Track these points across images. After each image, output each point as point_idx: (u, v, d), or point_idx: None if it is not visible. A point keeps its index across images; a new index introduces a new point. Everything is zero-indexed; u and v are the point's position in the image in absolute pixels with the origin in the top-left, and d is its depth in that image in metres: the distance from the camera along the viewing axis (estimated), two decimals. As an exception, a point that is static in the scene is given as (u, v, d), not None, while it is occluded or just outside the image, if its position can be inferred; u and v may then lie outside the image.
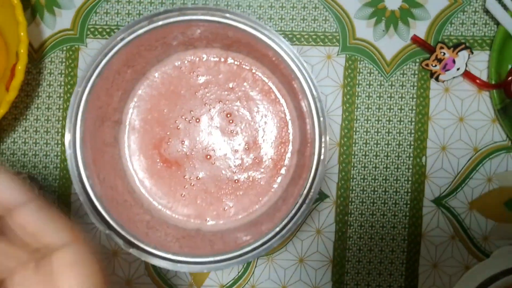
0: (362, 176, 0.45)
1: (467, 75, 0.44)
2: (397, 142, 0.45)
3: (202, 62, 0.41)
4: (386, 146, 0.45)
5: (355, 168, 0.45)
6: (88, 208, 0.34)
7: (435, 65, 0.44)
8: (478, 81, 0.44)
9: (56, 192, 0.45)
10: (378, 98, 0.45)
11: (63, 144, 0.45)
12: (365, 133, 0.45)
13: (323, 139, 0.35)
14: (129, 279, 0.45)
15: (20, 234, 0.23)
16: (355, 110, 0.45)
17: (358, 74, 0.45)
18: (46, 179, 0.45)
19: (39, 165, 0.45)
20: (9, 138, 0.45)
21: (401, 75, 0.45)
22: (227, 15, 0.34)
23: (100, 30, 0.45)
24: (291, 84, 0.37)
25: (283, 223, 0.36)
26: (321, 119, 0.35)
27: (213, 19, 0.34)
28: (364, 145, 0.45)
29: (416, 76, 0.45)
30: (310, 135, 0.36)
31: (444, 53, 0.43)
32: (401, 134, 0.45)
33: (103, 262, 0.24)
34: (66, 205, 0.45)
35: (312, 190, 0.36)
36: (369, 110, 0.45)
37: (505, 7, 0.43)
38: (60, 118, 0.45)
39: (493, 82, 0.43)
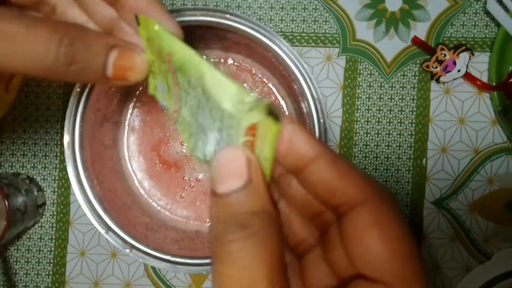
0: (362, 178, 0.45)
1: (468, 76, 0.44)
2: (398, 144, 0.45)
3: (201, 63, 0.41)
4: (386, 147, 0.45)
5: (355, 170, 0.45)
6: (87, 209, 0.34)
7: (436, 67, 0.43)
8: (478, 82, 0.44)
9: (55, 192, 0.45)
10: (378, 100, 0.45)
11: (62, 145, 0.45)
12: (365, 135, 0.45)
13: (323, 141, 0.35)
14: (128, 281, 0.45)
15: (312, 195, 0.21)
16: (356, 111, 0.45)
17: (358, 76, 0.45)
18: (45, 180, 0.45)
19: (38, 165, 0.45)
20: (8, 139, 0.45)
21: (402, 77, 0.45)
22: (227, 16, 0.34)
23: (99, 31, 0.45)
24: (291, 86, 0.37)
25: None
26: (321, 120, 0.34)
27: (213, 20, 0.34)
28: (365, 146, 0.45)
29: (416, 77, 0.45)
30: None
31: (445, 55, 0.43)
32: (402, 136, 0.45)
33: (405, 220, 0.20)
34: (65, 206, 0.45)
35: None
36: (370, 111, 0.45)
37: (506, 8, 0.43)
38: (60, 119, 0.45)
39: (493, 84, 0.43)
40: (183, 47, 0.22)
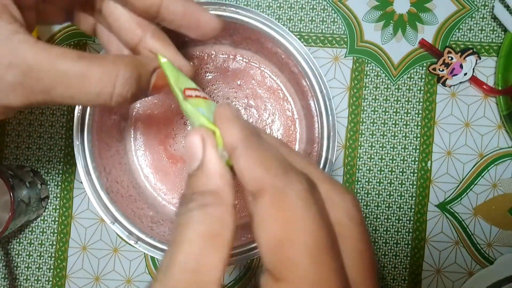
0: (367, 179, 0.45)
1: (474, 80, 0.44)
2: (403, 146, 0.45)
3: (210, 58, 0.41)
4: (391, 149, 0.45)
5: (360, 171, 0.45)
6: (94, 199, 0.34)
7: (442, 70, 0.44)
8: (484, 86, 0.44)
9: (58, 186, 0.45)
10: (384, 101, 0.45)
11: (67, 138, 0.45)
12: (370, 136, 0.45)
13: (331, 138, 0.35)
14: (129, 277, 0.44)
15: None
16: (361, 112, 0.45)
17: (365, 77, 0.45)
18: (49, 173, 0.45)
19: (43, 158, 0.45)
20: (14, 131, 0.45)
21: (408, 79, 0.45)
22: (240, 11, 0.34)
23: (108, 25, 0.45)
24: (300, 82, 0.37)
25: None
26: (330, 117, 0.35)
27: (225, 14, 0.34)
28: (370, 147, 0.45)
29: (423, 80, 0.45)
30: (317, 134, 0.36)
31: (452, 58, 0.43)
32: (407, 138, 0.45)
33: None
34: (68, 200, 0.44)
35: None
36: (375, 113, 0.45)
37: (513, 13, 0.43)
38: (65, 113, 0.45)
39: (499, 88, 0.43)
40: (173, 81, 0.27)
